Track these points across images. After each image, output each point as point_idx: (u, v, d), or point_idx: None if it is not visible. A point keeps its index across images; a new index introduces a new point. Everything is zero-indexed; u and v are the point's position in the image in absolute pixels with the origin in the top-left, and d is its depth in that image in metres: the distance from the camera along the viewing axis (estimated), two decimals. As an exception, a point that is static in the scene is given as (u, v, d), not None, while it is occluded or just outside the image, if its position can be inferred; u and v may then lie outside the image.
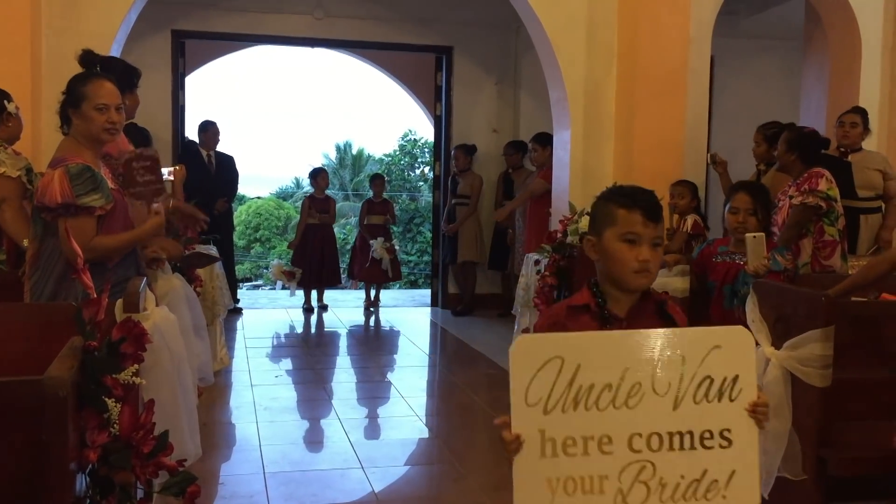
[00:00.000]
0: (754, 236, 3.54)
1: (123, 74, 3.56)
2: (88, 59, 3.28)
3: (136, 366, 1.78)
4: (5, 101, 4.02)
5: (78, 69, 3.25)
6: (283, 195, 31.50)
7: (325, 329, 7.69)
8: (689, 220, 5.11)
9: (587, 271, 4.74)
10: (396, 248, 8.61)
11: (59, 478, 1.53)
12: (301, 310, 8.28)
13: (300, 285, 8.21)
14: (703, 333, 1.70)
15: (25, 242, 3.43)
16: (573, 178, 5.78)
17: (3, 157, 3.96)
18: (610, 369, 1.64)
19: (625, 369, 1.63)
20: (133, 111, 3.73)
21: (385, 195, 8.92)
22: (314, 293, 8.45)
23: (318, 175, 8.51)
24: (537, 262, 5.42)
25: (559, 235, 5.08)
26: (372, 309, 8.49)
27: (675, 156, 5.54)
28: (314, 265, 8.14)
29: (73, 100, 2.88)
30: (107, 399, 1.66)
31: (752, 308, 3.17)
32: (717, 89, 7.23)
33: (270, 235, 29.10)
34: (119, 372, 1.73)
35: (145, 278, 2.92)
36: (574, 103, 5.77)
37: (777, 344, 3.02)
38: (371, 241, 8.33)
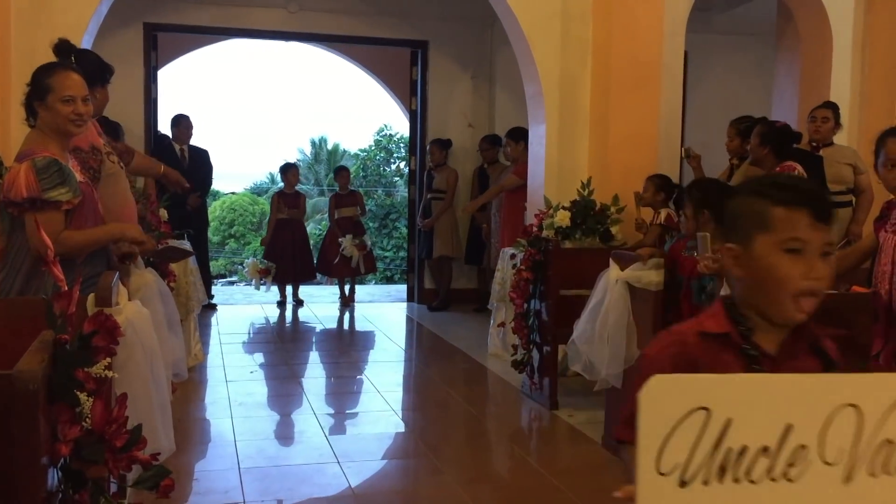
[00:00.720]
0: (702, 235, 3.61)
1: (96, 69, 3.50)
2: (64, 48, 3.23)
3: (108, 359, 1.76)
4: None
5: (49, 59, 3.20)
6: (257, 191, 31.26)
7: (300, 324, 7.66)
8: (663, 213, 5.13)
9: (563, 266, 4.79)
10: (368, 242, 8.49)
11: (31, 472, 1.51)
12: (275, 304, 8.23)
13: (274, 281, 8.14)
14: (885, 381, 1.24)
15: (-6, 238, 3.39)
16: (548, 173, 5.79)
17: (-29, 151, 3.90)
18: (768, 427, 1.20)
19: (786, 427, 1.20)
20: (102, 107, 3.68)
21: (360, 189, 9.07)
22: (289, 288, 8.39)
23: (287, 170, 8.45)
24: (513, 257, 5.43)
25: (535, 230, 5.09)
26: (347, 305, 8.43)
27: (649, 150, 5.57)
28: (287, 261, 8.08)
29: (38, 91, 2.83)
30: (79, 393, 1.64)
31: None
32: (691, 84, 7.27)
33: (245, 231, 28.89)
34: (91, 365, 1.71)
35: (117, 273, 2.88)
36: (549, 98, 5.77)
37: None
38: (340, 239, 8.26)
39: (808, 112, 5.24)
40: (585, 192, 5.25)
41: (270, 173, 31.98)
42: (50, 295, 2.48)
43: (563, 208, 5.17)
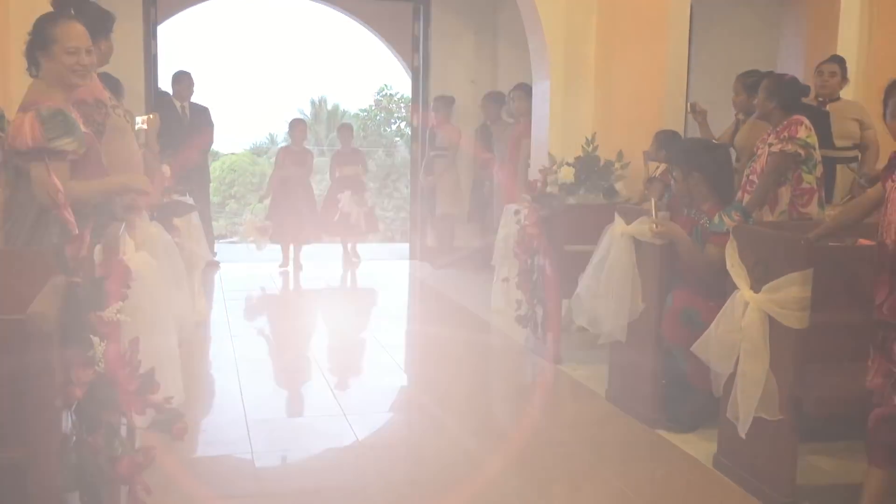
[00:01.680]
0: (648, 201, 3.69)
1: (97, 19, 3.45)
2: (62, 0, 3.19)
3: (119, 303, 1.77)
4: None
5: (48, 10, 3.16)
6: (257, 151, 31.11)
7: (304, 283, 7.67)
8: (662, 167, 5.12)
9: (567, 222, 4.78)
10: (369, 201, 8.28)
11: (45, 414, 1.52)
12: (278, 269, 7.82)
13: (276, 240, 7.80)
14: None
15: (-3, 190, 3.38)
16: (552, 129, 5.76)
17: (-28, 104, 3.87)
18: None
19: None
20: (107, 57, 3.64)
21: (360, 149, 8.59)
22: (292, 250, 8.03)
23: (295, 126, 8.15)
24: (517, 213, 5.42)
25: (539, 185, 5.08)
26: (351, 264, 8.22)
27: (654, 106, 5.54)
28: (291, 221, 7.70)
29: (41, 42, 2.80)
30: (92, 336, 1.65)
31: (730, 252, 3.20)
32: (696, 40, 7.19)
33: (245, 192, 28.79)
34: (103, 309, 1.72)
35: (123, 224, 2.88)
36: (553, 53, 5.73)
37: (755, 287, 3.05)
38: (338, 195, 8.05)
39: (815, 67, 5.19)
40: (589, 148, 5.23)
41: (270, 133, 31.79)
42: (58, 243, 2.48)
43: (567, 164, 5.16)
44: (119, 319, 1.75)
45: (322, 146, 29.23)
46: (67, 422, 1.68)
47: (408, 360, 5.08)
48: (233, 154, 29.90)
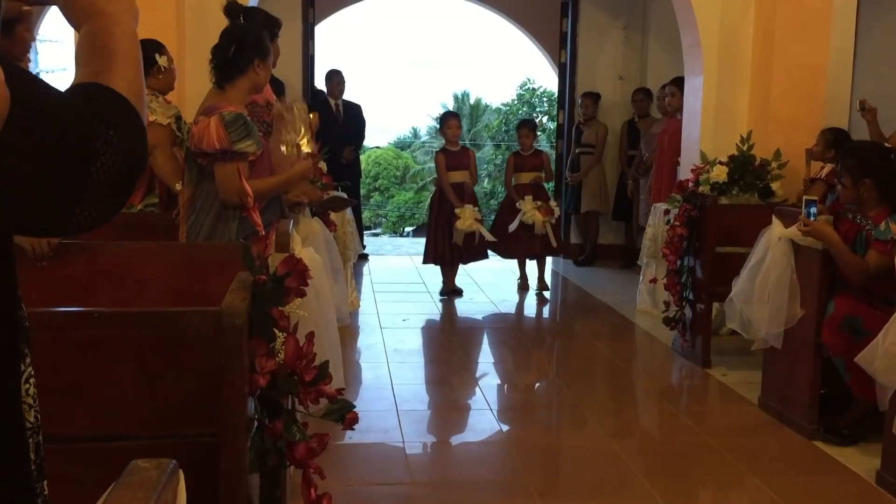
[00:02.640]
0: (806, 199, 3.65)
1: (264, 25, 3.67)
2: (233, 9, 3.41)
3: (298, 299, 1.90)
4: (156, 55, 4.24)
5: (219, 19, 3.39)
6: (400, 145, 31.87)
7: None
8: (827, 167, 4.89)
9: (719, 222, 4.66)
10: (555, 209, 6.72)
11: (237, 399, 1.66)
12: (439, 295, 6.57)
13: (437, 263, 6.56)
14: None
15: (178, 186, 3.66)
16: (704, 126, 5.61)
17: (154, 106, 4.18)
18: None
19: None
20: (275, 60, 3.86)
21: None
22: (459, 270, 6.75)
23: (447, 121, 6.77)
24: (666, 212, 5.32)
25: (690, 185, 4.97)
26: (527, 290, 6.86)
27: (815, 103, 5.30)
28: (448, 238, 6.41)
29: (263, 51, 3.00)
30: (276, 330, 1.78)
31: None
32: (862, 31, 6.81)
33: (389, 185, 29.56)
34: (284, 305, 1.85)
35: (292, 220, 3.06)
36: (707, 48, 5.57)
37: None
38: (518, 203, 6.61)
39: None
40: (745, 147, 5.06)
41: (413, 127, 32.53)
42: (242, 239, 2.68)
43: (721, 163, 5.02)
44: (299, 314, 1.88)
45: (465, 140, 29.64)
46: (251, 407, 1.82)
47: (552, 358, 5.11)
48: (377, 148, 30.81)
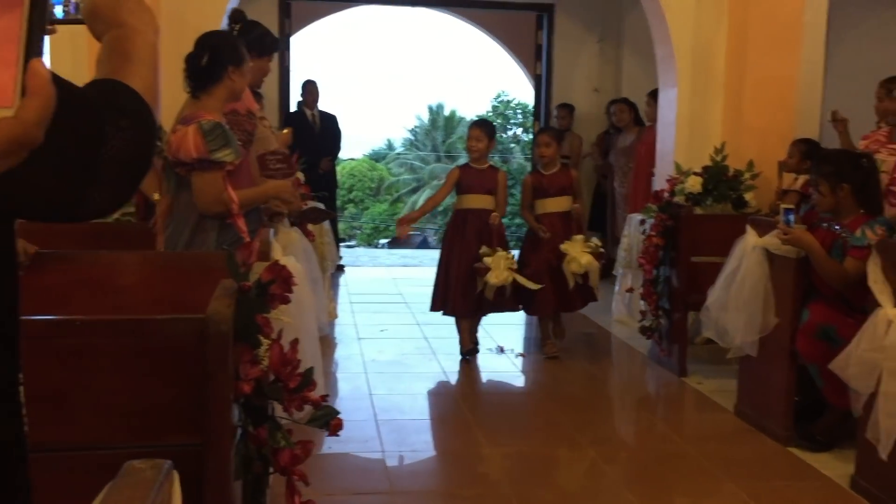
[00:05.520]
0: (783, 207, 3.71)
1: (255, 39, 3.64)
2: (237, 17, 3.45)
3: (283, 306, 1.90)
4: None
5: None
6: (375, 157, 31.89)
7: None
8: (801, 179, 4.97)
9: (695, 232, 4.72)
10: (600, 247, 5.06)
11: (222, 406, 1.66)
12: (460, 357, 5.10)
13: (451, 312, 5.09)
14: None
15: (155, 196, 3.64)
16: (679, 138, 5.68)
17: (131, 115, 4.18)
18: None
19: None
20: (263, 76, 3.79)
21: (559, 161, 5.23)
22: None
23: (475, 132, 5.11)
24: (642, 223, 5.38)
25: (666, 195, 5.03)
26: (554, 356, 5.16)
27: (786, 114, 5.39)
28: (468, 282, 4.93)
29: (237, 58, 2.99)
30: (261, 337, 1.78)
31: (873, 268, 3.10)
32: (833, 44, 6.93)
33: (364, 196, 29.56)
34: (269, 312, 1.85)
35: (272, 230, 3.06)
36: (681, 60, 5.65)
37: (901, 305, 2.95)
38: (561, 246, 4.94)
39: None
40: (718, 158, 5.13)
41: (388, 139, 32.57)
42: (220, 247, 2.67)
43: (695, 174, 5.08)
44: (283, 321, 1.88)
45: (439, 152, 29.69)
46: (236, 415, 1.82)
47: (528, 368, 5.12)
48: (352, 160, 30.80)
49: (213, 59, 2.93)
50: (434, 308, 5.16)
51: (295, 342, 1.91)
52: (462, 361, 5.05)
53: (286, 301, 1.91)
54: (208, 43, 2.99)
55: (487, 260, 4.80)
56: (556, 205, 5.10)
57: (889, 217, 3.63)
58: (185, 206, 2.96)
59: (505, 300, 4.95)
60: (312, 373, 1.90)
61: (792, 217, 3.61)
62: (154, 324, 1.77)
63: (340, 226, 25.50)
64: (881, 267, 3.08)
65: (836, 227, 3.62)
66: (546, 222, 5.06)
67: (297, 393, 1.86)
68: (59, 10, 1.32)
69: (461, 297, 4.96)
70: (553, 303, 5.08)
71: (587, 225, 8.09)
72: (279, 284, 1.86)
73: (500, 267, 4.80)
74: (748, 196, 5.07)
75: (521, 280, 4.88)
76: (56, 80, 0.83)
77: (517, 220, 20.66)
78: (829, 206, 3.61)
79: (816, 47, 5.48)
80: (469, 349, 5.10)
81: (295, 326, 2.72)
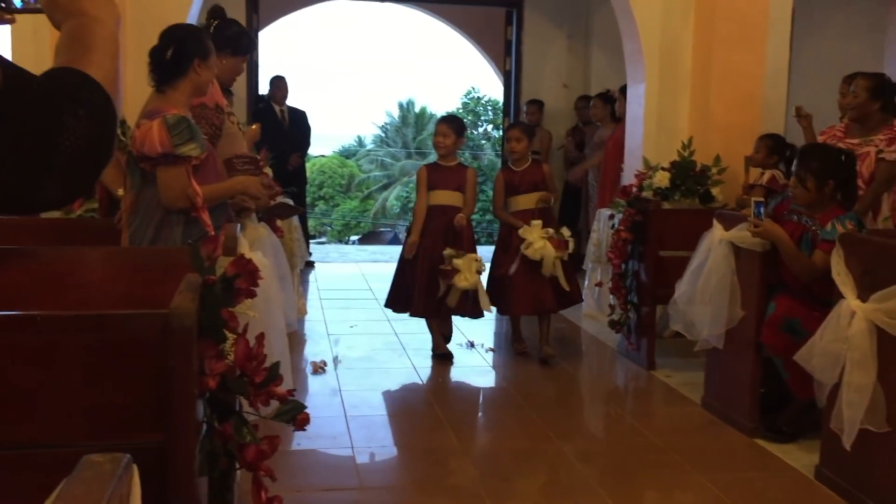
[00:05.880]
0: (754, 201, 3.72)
1: (234, 37, 3.59)
2: (216, 13, 3.41)
3: (249, 300, 1.88)
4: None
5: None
6: (345, 153, 31.79)
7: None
8: (767, 174, 5.04)
9: (663, 227, 4.75)
10: (570, 241, 4.93)
11: (186, 402, 1.64)
12: (431, 357, 5.03)
13: (421, 315, 4.99)
14: None
15: (120, 191, 3.59)
16: (647, 133, 5.72)
17: (95, 110, 4.11)
18: None
19: None
20: (225, 75, 3.70)
21: (529, 156, 5.14)
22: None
23: (442, 127, 4.98)
24: (611, 217, 5.41)
25: (634, 190, 5.06)
26: (548, 360, 4.95)
27: (753, 110, 5.45)
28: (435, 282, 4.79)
29: (203, 51, 2.94)
30: (227, 331, 1.76)
31: (837, 261, 3.15)
32: (797, 42, 7.02)
33: (334, 193, 29.44)
34: (234, 306, 1.83)
35: (239, 225, 3.03)
36: (649, 56, 5.69)
37: (863, 297, 3.00)
38: (520, 230, 4.85)
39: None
40: (686, 153, 5.18)
41: (358, 136, 32.45)
42: (186, 242, 2.64)
43: (663, 169, 5.13)
44: (249, 315, 1.87)
45: (410, 148, 29.65)
46: (201, 410, 1.80)
47: (498, 361, 5.13)
48: (322, 156, 30.67)
49: (178, 53, 2.89)
50: (393, 307, 5.05)
51: (261, 337, 1.89)
52: (433, 357, 5.03)
53: (252, 295, 1.89)
54: (173, 36, 2.95)
55: (457, 262, 4.67)
56: (528, 201, 5.00)
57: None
58: (149, 201, 2.92)
59: (468, 305, 4.82)
60: (279, 367, 1.88)
61: (762, 210, 3.64)
62: (116, 319, 1.74)
63: (310, 222, 25.35)
64: (844, 259, 3.12)
65: (808, 220, 3.64)
66: (518, 219, 4.96)
67: (263, 388, 1.84)
68: None
69: (425, 297, 4.82)
70: (528, 302, 4.93)
71: (558, 220, 8.15)
72: (245, 278, 1.84)
73: (470, 269, 4.69)
74: (715, 191, 5.12)
75: (481, 293, 4.77)
76: (10, 68, 0.81)
77: (488, 217, 20.68)
78: (810, 199, 3.61)
79: (782, 44, 5.54)
80: (443, 352, 4.99)
81: (262, 321, 2.71)
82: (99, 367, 1.75)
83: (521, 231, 4.82)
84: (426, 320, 5.01)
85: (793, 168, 3.69)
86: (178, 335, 1.62)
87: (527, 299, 4.91)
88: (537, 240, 4.77)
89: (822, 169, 3.56)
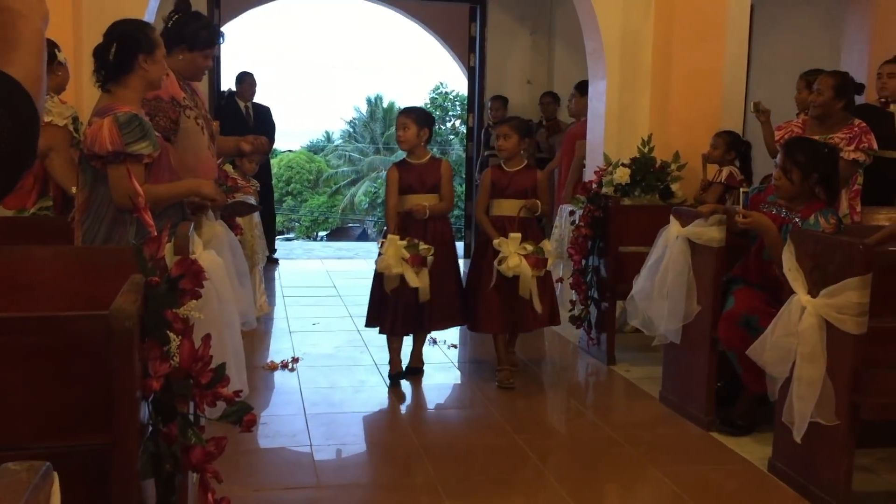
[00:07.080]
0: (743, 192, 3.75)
1: (192, 33, 3.44)
2: (181, 6, 3.35)
3: (194, 301, 1.87)
4: (56, 50, 4.10)
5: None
6: (313, 149, 31.60)
7: (360, 281, 7.78)
8: (725, 171, 5.10)
9: (622, 223, 4.79)
10: (549, 256, 4.47)
11: (128, 404, 1.62)
12: (388, 377, 4.58)
13: (388, 331, 4.51)
14: None
15: (73, 189, 3.54)
16: (608, 129, 5.76)
17: (50, 107, 4.05)
18: None
19: None
20: (203, 71, 3.57)
21: (523, 155, 4.61)
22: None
23: (401, 120, 4.47)
24: (571, 213, 5.44)
25: (594, 186, 5.09)
26: (508, 385, 4.47)
27: (712, 106, 5.51)
28: (411, 298, 4.34)
29: (148, 45, 2.88)
30: (169, 332, 1.75)
31: (788, 256, 3.19)
32: (756, 39, 7.11)
33: (302, 189, 29.26)
34: (179, 307, 1.82)
35: (192, 224, 3.00)
36: (610, 53, 5.73)
37: (813, 292, 3.05)
38: (495, 241, 4.37)
39: (878, 68, 5.11)
40: (646, 149, 5.22)
41: (326, 131, 32.28)
42: (137, 241, 2.61)
43: (623, 165, 5.16)
44: (194, 316, 1.85)
45: (378, 144, 29.55)
46: (145, 412, 1.78)
47: (460, 358, 5.15)
48: (290, 152, 30.46)
49: (121, 50, 2.85)
50: (372, 325, 4.54)
51: (207, 338, 1.87)
52: (390, 378, 4.57)
53: (198, 296, 1.88)
54: (115, 33, 2.91)
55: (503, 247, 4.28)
56: (512, 208, 4.46)
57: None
58: (102, 200, 2.89)
59: (446, 312, 4.48)
60: (224, 368, 1.87)
61: (749, 201, 3.70)
62: (58, 321, 1.72)
63: (278, 218, 25.20)
64: (795, 255, 3.17)
65: (787, 212, 3.67)
66: (497, 226, 4.44)
67: (209, 389, 1.83)
68: None
69: (401, 314, 4.37)
70: (499, 320, 4.45)
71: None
72: (189, 279, 1.82)
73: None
74: (675, 187, 5.17)
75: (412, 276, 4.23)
76: None
77: (457, 212, 20.70)
78: (793, 192, 3.62)
79: (740, 41, 5.61)
80: (396, 372, 4.54)
81: (214, 321, 2.68)
82: (42, 370, 1.73)
83: (495, 243, 4.35)
84: (388, 339, 4.57)
85: (776, 161, 3.70)
86: (119, 337, 1.61)
87: (499, 317, 4.44)
88: (513, 256, 4.30)
89: (808, 162, 3.58)
